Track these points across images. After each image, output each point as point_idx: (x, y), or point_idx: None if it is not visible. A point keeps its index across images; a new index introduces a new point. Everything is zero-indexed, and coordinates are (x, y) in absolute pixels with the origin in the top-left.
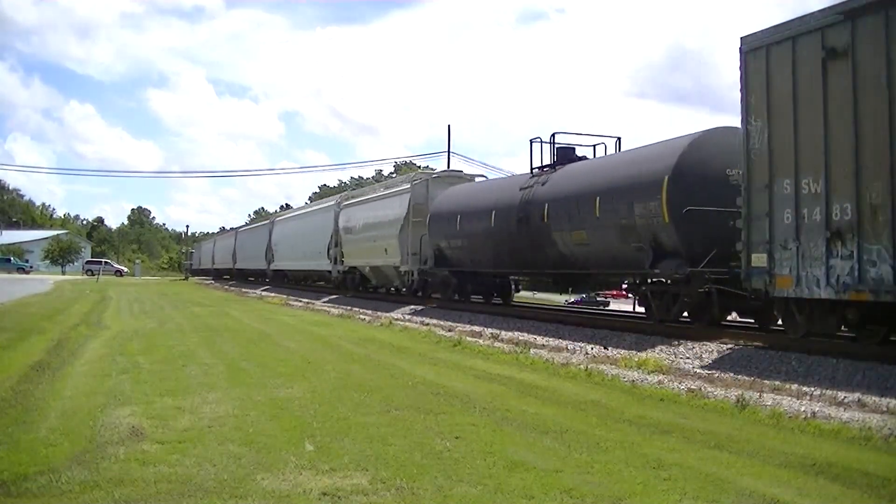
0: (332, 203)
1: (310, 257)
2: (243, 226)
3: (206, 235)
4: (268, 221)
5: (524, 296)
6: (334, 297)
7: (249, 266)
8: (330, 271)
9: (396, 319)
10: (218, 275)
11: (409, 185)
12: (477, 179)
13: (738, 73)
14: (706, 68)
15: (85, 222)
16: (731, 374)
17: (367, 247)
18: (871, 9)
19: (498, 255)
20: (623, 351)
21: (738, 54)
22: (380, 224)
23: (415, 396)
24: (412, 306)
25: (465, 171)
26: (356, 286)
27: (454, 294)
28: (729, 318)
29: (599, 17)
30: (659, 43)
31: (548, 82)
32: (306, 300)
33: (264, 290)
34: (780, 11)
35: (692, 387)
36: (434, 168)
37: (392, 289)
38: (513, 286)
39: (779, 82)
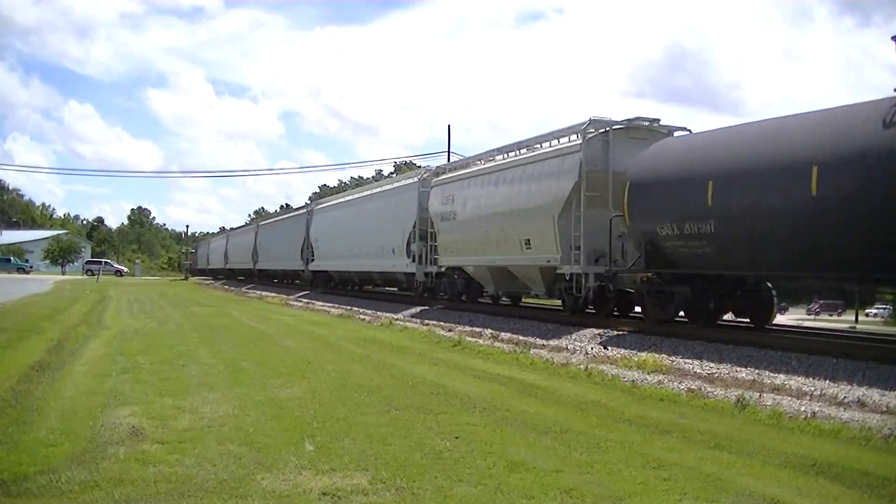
0: (414, 181)
1: (374, 255)
2: (266, 218)
3: (206, 235)
4: (303, 211)
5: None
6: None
7: (276, 266)
8: (412, 274)
9: (396, 319)
10: (232, 276)
11: (577, 142)
12: (676, 134)
13: (736, 72)
14: (705, 68)
15: (85, 222)
16: (731, 375)
17: (488, 239)
18: None
19: (813, 246)
20: (623, 351)
21: None
22: (516, 204)
23: (415, 396)
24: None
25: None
26: (457, 294)
27: (676, 313)
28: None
29: (598, 17)
30: (658, 43)
31: (546, 82)
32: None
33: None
34: (778, 12)
35: (692, 387)
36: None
37: (504, 298)
38: (775, 301)
39: None
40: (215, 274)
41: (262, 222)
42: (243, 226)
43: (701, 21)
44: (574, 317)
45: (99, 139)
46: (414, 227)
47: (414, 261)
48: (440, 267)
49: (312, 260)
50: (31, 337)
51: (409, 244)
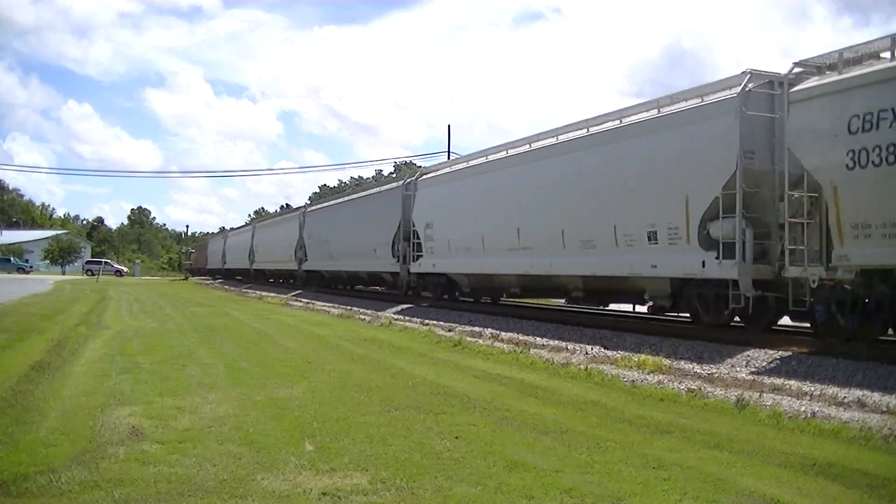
0: (727, 95)
1: (577, 248)
2: (314, 203)
3: (206, 235)
4: (396, 186)
5: None
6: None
7: (337, 267)
8: (727, 280)
9: (396, 319)
10: (260, 278)
11: None
12: None
13: (735, 72)
14: (704, 68)
15: (85, 222)
16: (730, 375)
17: None
18: None
19: None
20: (623, 351)
21: None
22: None
23: (415, 396)
24: None
25: None
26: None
27: None
28: None
29: (596, 16)
30: (656, 42)
31: (546, 82)
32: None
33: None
34: (778, 13)
35: (692, 387)
36: None
37: None
38: None
39: None
40: (233, 275)
41: (310, 209)
42: (282, 213)
43: (699, 21)
44: None
45: (98, 139)
46: (732, 184)
47: (722, 256)
48: (851, 272)
49: (419, 256)
50: (31, 337)
51: (701, 226)
